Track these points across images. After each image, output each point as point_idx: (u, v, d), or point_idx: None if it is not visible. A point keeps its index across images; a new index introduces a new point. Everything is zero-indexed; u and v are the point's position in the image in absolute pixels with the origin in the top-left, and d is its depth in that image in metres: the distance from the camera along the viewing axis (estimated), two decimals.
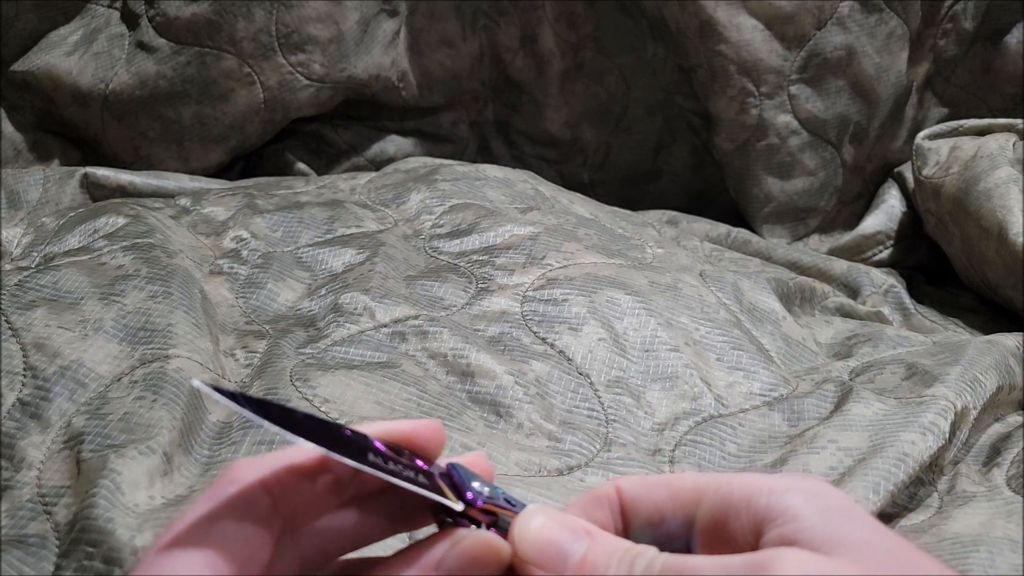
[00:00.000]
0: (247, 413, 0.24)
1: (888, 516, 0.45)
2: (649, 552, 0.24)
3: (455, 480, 0.27)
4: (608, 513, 0.27)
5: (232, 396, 0.24)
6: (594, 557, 0.25)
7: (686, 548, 0.26)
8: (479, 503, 0.26)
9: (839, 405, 0.50)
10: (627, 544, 0.25)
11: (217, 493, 0.24)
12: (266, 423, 0.24)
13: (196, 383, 0.24)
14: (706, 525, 0.25)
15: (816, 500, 0.23)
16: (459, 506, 0.26)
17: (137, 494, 0.38)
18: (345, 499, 0.26)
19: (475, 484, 0.27)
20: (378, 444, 0.26)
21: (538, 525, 0.25)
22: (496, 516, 0.26)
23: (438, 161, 0.79)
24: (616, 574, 0.24)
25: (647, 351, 0.52)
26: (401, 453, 0.27)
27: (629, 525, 0.27)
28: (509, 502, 0.27)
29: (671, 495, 0.26)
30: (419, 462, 0.27)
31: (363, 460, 0.24)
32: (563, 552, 0.25)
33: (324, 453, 0.24)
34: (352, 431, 0.26)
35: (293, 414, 0.25)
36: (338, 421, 0.26)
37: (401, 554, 0.27)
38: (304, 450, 0.25)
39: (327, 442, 0.24)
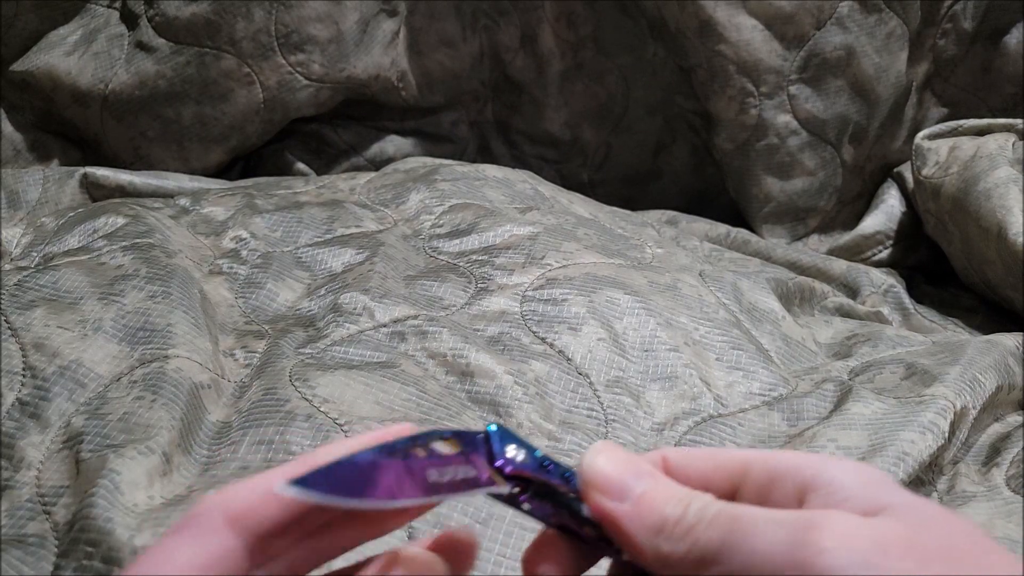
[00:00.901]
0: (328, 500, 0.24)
1: None
2: (705, 497, 0.25)
3: (491, 450, 0.27)
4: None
5: (305, 484, 0.24)
6: (653, 495, 0.25)
7: None
8: (507, 469, 0.27)
9: (839, 405, 0.50)
10: (685, 489, 0.25)
11: (183, 529, 0.24)
12: (344, 501, 0.24)
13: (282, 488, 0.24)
14: (751, 495, 0.26)
15: (859, 473, 0.24)
16: (505, 489, 0.26)
17: (136, 494, 0.38)
18: (322, 521, 0.26)
19: (509, 450, 0.27)
20: (434, 455, 0.26)
21: (604, 460, 0.26)
22: (530, 483, 0.27)
23: (438, 161, 0.79)
24: (671, 513, 0.25)
25: (646, 351, 0.52)
26: (436, 454, 0.27)
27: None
28: (544, 467, 0.27)
29: (716, 465, 0.26)
30: (451, 453, 0.27)
31: (426, 486, 0.25)
32: (627, 483, 0.26)
33: (401, 506, 0.25)
34: (407, 450, 0.26)
35: (358, 469, 0.25)
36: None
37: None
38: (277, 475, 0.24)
39: (393, 487, 0.25)
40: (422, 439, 0.27)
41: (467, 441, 0.27)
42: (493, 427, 0.28)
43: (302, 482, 0.24)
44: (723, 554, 0.23)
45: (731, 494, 0.26)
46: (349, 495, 0.24)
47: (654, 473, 0.26)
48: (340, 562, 0.27)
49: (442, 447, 0.27)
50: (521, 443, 0.27)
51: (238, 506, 0.24)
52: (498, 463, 0.27)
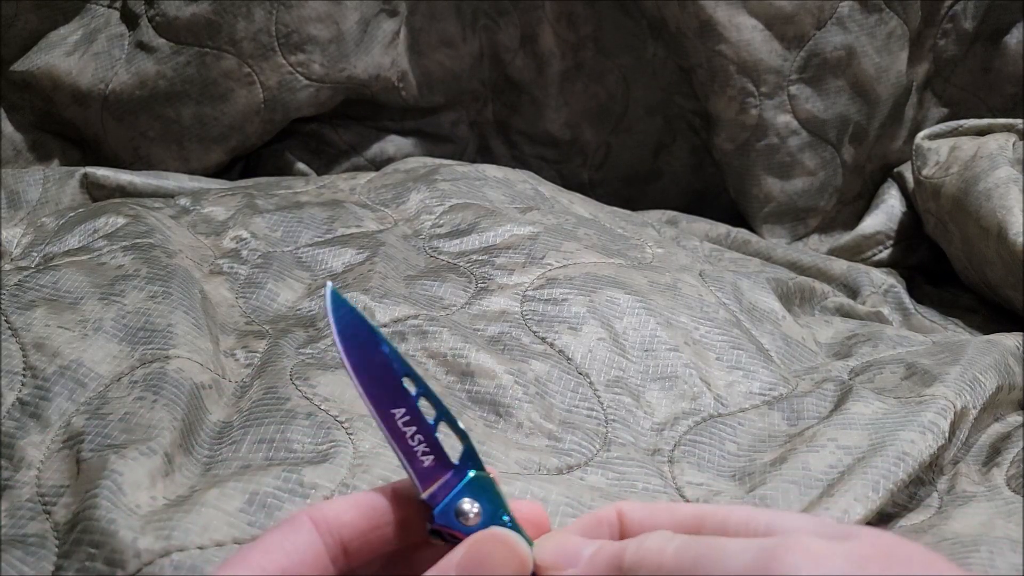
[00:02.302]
0: (335, 332, 0.28)
1: (888, 516, 0.45)
2: (665, 532, 0.25)
3: (457, 488, 0.27)
4: (608, 535, 0.27)
5: (338, 307, 0.29)
6: (606, 549, 0.25)
7: None
8: (435, 522, 0.27)
9: (839, 404, 0.50)
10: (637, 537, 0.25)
11: (274, 531, 0.26)
12: (340, 346, 0.28)
13: (330, 284, 0.29)
14: None
15: (812, 519, 0.24)
16: (422, 494, 0.27)
17: (139, 495, 0.38)
18: (408, 541, 0.28)
19: (467, 506, 0.27)
20: (418, 407, 0.28)
21: (556, 540, 0.26)
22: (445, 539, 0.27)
23: (438, 161, 0.79)
24: (630, 549, 0.25)
25: (647, 351, 0.52)
26: (429, 434, 0.28)
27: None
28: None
29: (673, 520, 0.26)
30: (446, 456, 0.28)
31: (385, 411, 0.28)
32: (577, 551, 0.26)
33: (358, 392, 0.28)
34: (407, 382, 0.28)
35: (372, 347, 0.28)
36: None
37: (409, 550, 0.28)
38: (381, 501, 0.28)
39: (371, 380, 0.28)
40: (441, 411, 0.28)
41: (463, 461, 0.28)
42: (473, 473, 0.28)
43: (341, 306, 0.28)
44: None
45: None
46: (345, 344, 0.28)
47: (599, 542, 0.26)
48: None
49: (441, 425, 0.28)
50: (492, 505, 0.27)
51: (321, 510, 0.27)
52: (435, 509, 0.27)
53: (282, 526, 0.26)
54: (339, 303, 0.29)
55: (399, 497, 0.28)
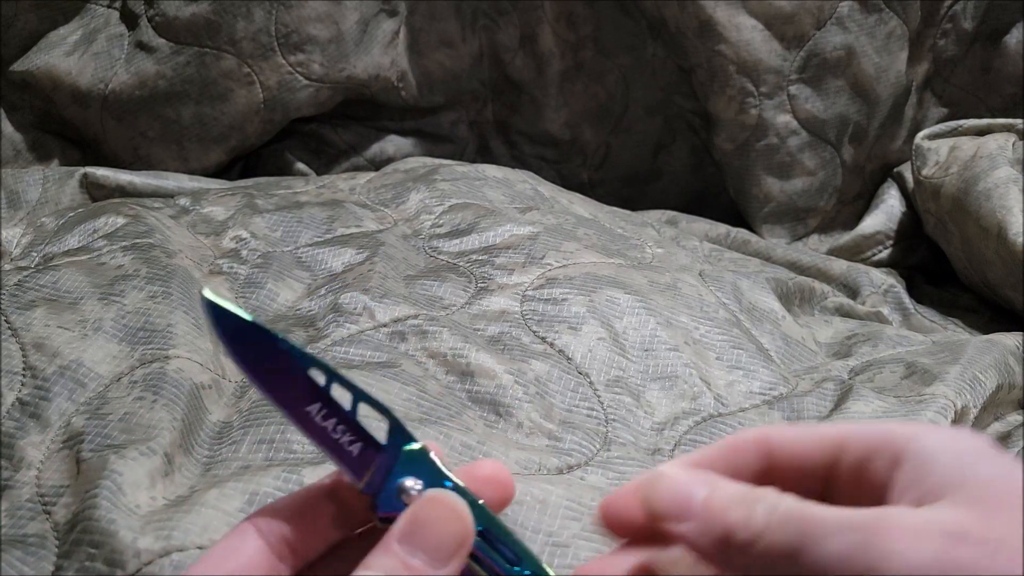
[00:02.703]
0: (222, 340, 0.27)
1: None
2: (770, 497, 0.25)
3: (392, 468, 0.27)
4: (751, 455, 0.27)
5: (220, 314, 0.27)
6: (715, 502, 0.25)
7: (824, 494, 0.26)
8: (380, 511, 0.26)
9: (839, 403, 0.50)
10: (746, 488, 0.25)
11: (219, 542, 0.27)
12: (232, 354, 0.27)
13: (207, 293, 0.27)
14: (849, 466, 0.26)
15: (954, 442, 0.24)
16: (359, 485, 0.26)
17: (139, 495, 0.38)
18: (349, 528, 0.28)
19: (411, 483, 0.26)
20: (332, 396, 0.27)
21: (664, 482, 0.26)
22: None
23: (437, 161, 0.79)
24: (735, 520, 0.25)
25: (647, 350, 0.52)
26: (350, 420, 0.27)
27: (772, 468, 0.27)
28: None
29: (817, 438, 0.27)
30: (372, 434, 0.27)
31: (299, 410, 0.27)
32: (688, 499, 0.26)
33: (267, 397, 0.27)
34: (314, 372, 0.27)
35: (269, 346, 0.27)
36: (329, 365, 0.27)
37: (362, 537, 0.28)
38: (319, 494, 0.27)
39: (276, 382, 0.27)
40: (356, 393, 0.27)
41: (392, 439, 0.27)
42: (415, 446, 0.27)
43: (219, 311, 0.26)
44: (793, 560, 0.23)
45: (830, 467, 0.26)
46: (237, 353, 0.26)
47: (711, 481, 0.26)
48: None
49: (362, 409, 0.27)
50: (430, 477, 0.26)
51: (261, 513, 0.27)
52: (377, 499, 0.26)
53: (227, 536, 0.27)
54: (219, 311, 0.27)
55: (338, 484, 0.28)
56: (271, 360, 0.27)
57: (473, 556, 0.26)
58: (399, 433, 0.27)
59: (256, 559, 0.27)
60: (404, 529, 0.26)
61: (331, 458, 0.27)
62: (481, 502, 0.27)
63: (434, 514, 0.26)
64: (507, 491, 0.28)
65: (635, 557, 0.28)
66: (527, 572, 0.26)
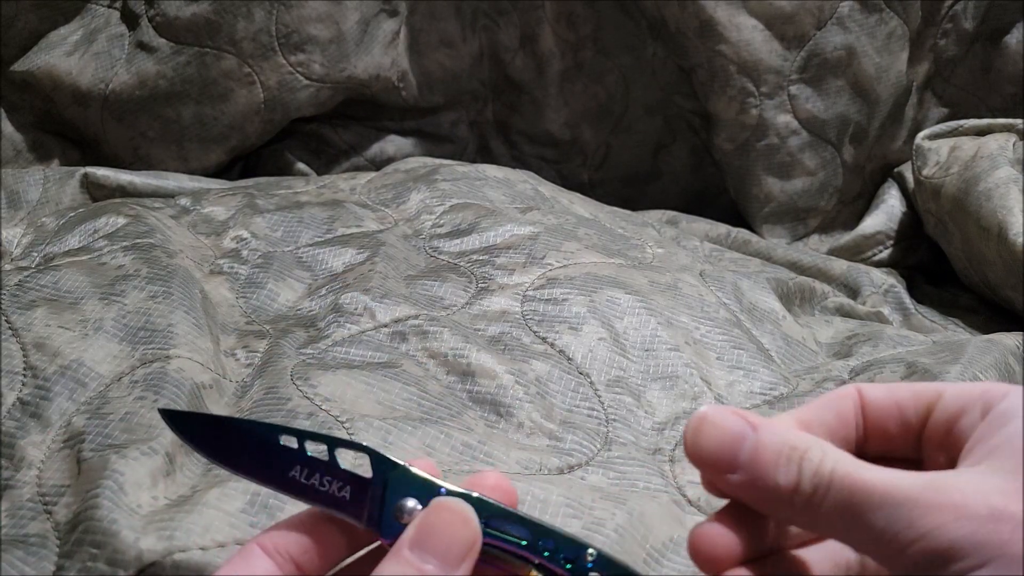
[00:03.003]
0: (189, 444, 0.29)
1: None
2: (816, 453, 0.25)
3: (382, 506, 0.28)
4: (852, 408, 0.28)
5: (181, 422, 0.29)
6: (762, 457, 0.25)
7: (917, 447, 0.27)
8: (386, 539, 0.27)
9: None
10: (790, 440, 0.25)
11: (227, 564, 0.27)
12: (202, 454, 0.29)
13: (160, 407, 0.29)
14: (940, 420, 0.26)
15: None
16: (362, 525, 0.28)
17: (140, 495, 0.38)
18: (356, 546, 0.29)
19: (408, 503, 0.27)
20: (308, 453, 0.28)
21: (705, 437, 0.26)
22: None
23: (438, 161, 0.79)
24: (785, 481, 0.25)
25: (647, 350, 0.52)
26: (333, 468, 0.28)
27: (868, 422, 0.28)
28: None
29: (913, 393, 0.27)
30: (356, 473, 0.28)
31: (284, 479, 0.28)
32: (734, 448, 0.26)
33: (245, 478, 0.28)
34: (285, 439, 0.29)
35: (234, 433, 0.29)
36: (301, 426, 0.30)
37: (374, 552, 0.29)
38: (319, 515, 0.28)
39: (254, 463, 0.28)
40: (330, 442, 0.28)
41: (376, 469, 0.28)
42: (391, 474, 0.28)
43: (177, 419, 0.29)
44: (846, 527, 0.24)
45: (924, 420, 0.27)
46: (208, 450, 0.29)
47: (754, 423, 0.26)
48: None
49: (340, 454, 0.28)
50: (423, 491, 0.27)
51: (267, 534, 0.27)
52: (380, 529, 0.27)
53: (233, 559, 0.27)
54: (177, 419, 0.29)
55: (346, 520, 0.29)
56: (240, 445, 0.28)
57: (489, 546, 0.27)
58: (381, 462, 0.28)
59: None
60: (414, 536, 0.26)
61: (328, 511, 0.28)
62: (477, 494, 0.27)
63: (442, 520, 0.26)
64: (512, 499, 0.29)
65: None
66: (539, 538, 0.27)
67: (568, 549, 0.27)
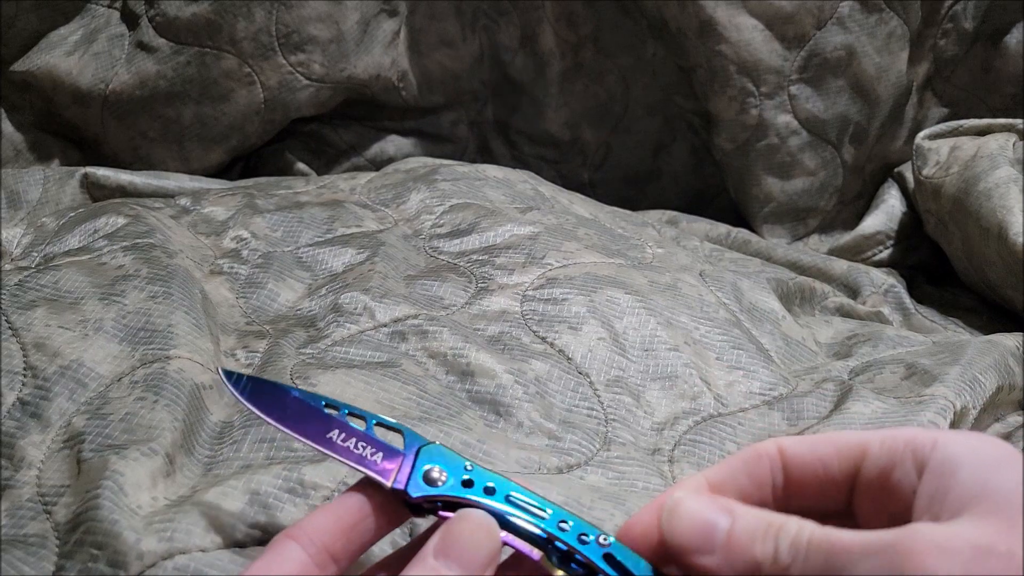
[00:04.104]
0: (241, 399, 0.32)
1: None
2: (791, 526, 0.25)
3: (415, 464, 0.30)
4: (768, 468, 0.27)
5: (237, 381, 0.33)
6: (738, 534, 0.25)
7: (847, 502, 0.27)
8: (412, 496, 0.29)
9: (839, 404, 0.50)
10: (768, 517, 0.25)
11: (259, 559, 0.28)
12: (253, 408, 0.32)
13: (220, 371, 0.33)
14: (871, 475, 0.26)
15: (977, 450, 0.24)
16: (388, 484, 0.30)
17: (140, 495, 0.38)
18: (386, 530, 0.30)
19: (434, 471, 0.30)
20: (348, 422, 0.31)
21: (685, 509, 0.27)
22: (440, 504, 0.30)
23: (438, 161, 0.79)
24: (763, 553, 0.25)
25: (647, 350, 0.52)
26: (368, 437, 0.31)
27: (790, 480, 0.27)
28: (466, 483, 0.30)
29: (836, 448, 0.27)
30: (392, 446, 0.31)
31: (323, 438, 0.31)
32: (710, 531, 0.26)
33: (289, 433, 0.31)
34: (328, 409, 0.32)
35: (283, 396, 0.32)
36: (330, 398, 0.32)
37: (400, 553, 0.29)
38: (350, 501, 0.30)
39: (297, 421, 0.31)
40: (368, 416, 0.31)
41: (408, 444, 0.31)
42: (422, 445, 0.31)
43: (236, 378, 0.32)
44: None
45: (851, 476, 0.26)
46: (261, 409, 0.32)
47: (730, 508, 0.26)
48: None
49: (376, 431, 0.31)
50: (451, 463, 0.30)
51: (298, 526, 0.29)
52: (407, 487, 0.30)
53: (266, 553, 0.28)
54: (236, 379, 0.33)
55: (369, 489, 0.30)
56: (288, 405, 0.32)
57: (504, 520, 0.29)
58: (414, 439, 0.31)
59: (298, 570, 0.28)
60: (439, 545, 0.27)
61: (360, 469, 0.30)
62: (499, 472, 0.30)
63: (466, 529, 0.28)
64: None
65: None
66: (556, 518, 0.29)
67: (584, 531, 0.28)
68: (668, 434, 0.48)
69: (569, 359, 0.51)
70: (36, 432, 0.44)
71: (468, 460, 0.30)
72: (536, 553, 0.29)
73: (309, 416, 0.31)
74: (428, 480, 0.30)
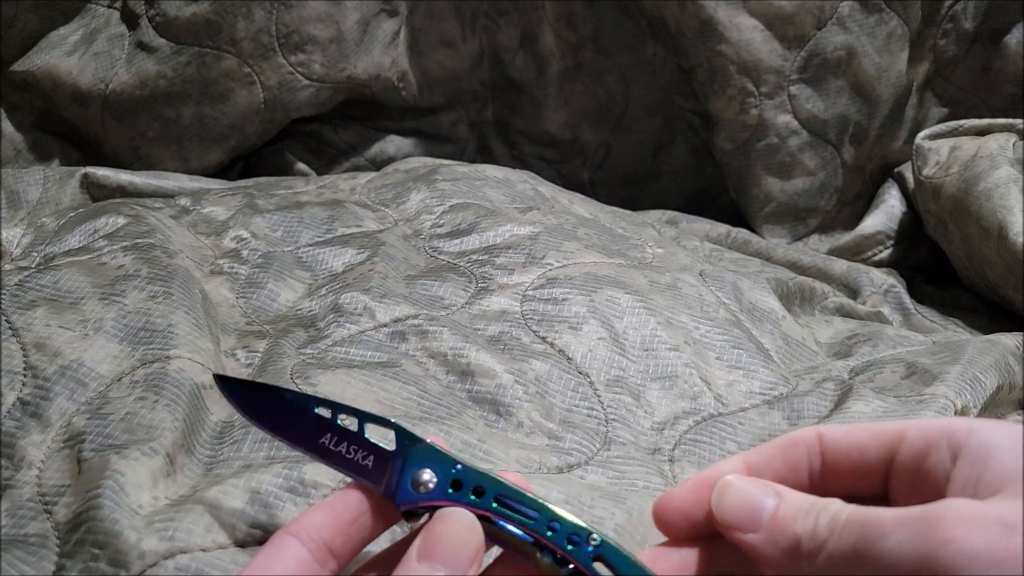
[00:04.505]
0: (235, 407, 0.33)
1: None
2: (833, 506, 0.26)
3: (401, 474, 0.30)
4: (805, 454, 0.28)
5: (232, 389, 0.33)
6: (783, 513, 0.26)
7: (882, 487, 0.27)
8: (400, 506, 0.30)
9: (839, 403, 0.50)
10: (812, 499, 0.26)
11: (257, 556, 0.28)
12: (247, 417, 0.33)
13: (215, 374, 0.34)
14: (907, 460, 0.26)
15: (1010, 433, 0.25)
16: (379, 492, 0.30)
17: (141, 495, 0.38)
18: (383, 526, 0.30)
19: (423, 475, 0.30)
20: (341, 424, 0.31)
21: (735, 490, 0.27)
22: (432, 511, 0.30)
23: (438, 161, 0.79)
24: (802, 531, 0.26)
25: (647, 350, 0.52)
26: (360, 439, 0.31)
27: (827, 466, 0.28)
28: (457, 484, 0.30)
29: (872, 434, 0.27)
30: (381, 445, 0.31)
31: (314, 444, 0.31)
32: (757, 510, 0.27)
33: (284, 443, 0.32)
34: (321, 410, 0.32)
35: (276, 401, 0.32)
36: (320, 396, 0.33)
37: (389, 551, 0.29)
38: (349, 497, 0.30)
39: (289, 428, 0.32)
40: (361, 415, 0.32)
41: (399, 443, 0.31)
42: (411, 448, 0.30)
43: (227, 383, 0.33)
44: (856, 562, 0.24)
45: (887, 461, 0.27)
46: (251, 414, 0.32)
47: (779, 490, 0.27)
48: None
49: (369, 429, 0.31)
50: (440, 465, 0.30)
51: (297, 522, 0.29)
52: (396, 496, 0.30)
53: (265, 549, 0.28)
54: (229, 385, 0.33)
55: (367, 485, 0.30)
56: (280, 410, 0.32)
57: (492, 522, 0.29)
58: (405, 437, 0.31)
59: (297, 566, 0.28)
60: (422, 547, 0.28)
61: (351, 475, 0.30)
62: (491, 472, 0.30)
63: (447, 529, 0.28)
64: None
65: (681, 555, 0.29)
66: (545, 519, 0.29)
67: (573, 532, 0.28)
68: (668, 434, 0.48)
69: (569, 359, 0.51)
70: (36, 432, 0.44)
71: (458, 460, 0.30)
72: (525, 555, 0.29)
73: (302, 421, 0.31)
74: (416, 485, 0.29)
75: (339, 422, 0.31)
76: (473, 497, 0.29)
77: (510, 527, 0.29)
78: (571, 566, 0.28)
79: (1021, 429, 0.25)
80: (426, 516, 0.30)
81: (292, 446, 0.31)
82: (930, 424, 0.26)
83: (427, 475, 0.29)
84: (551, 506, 0.29)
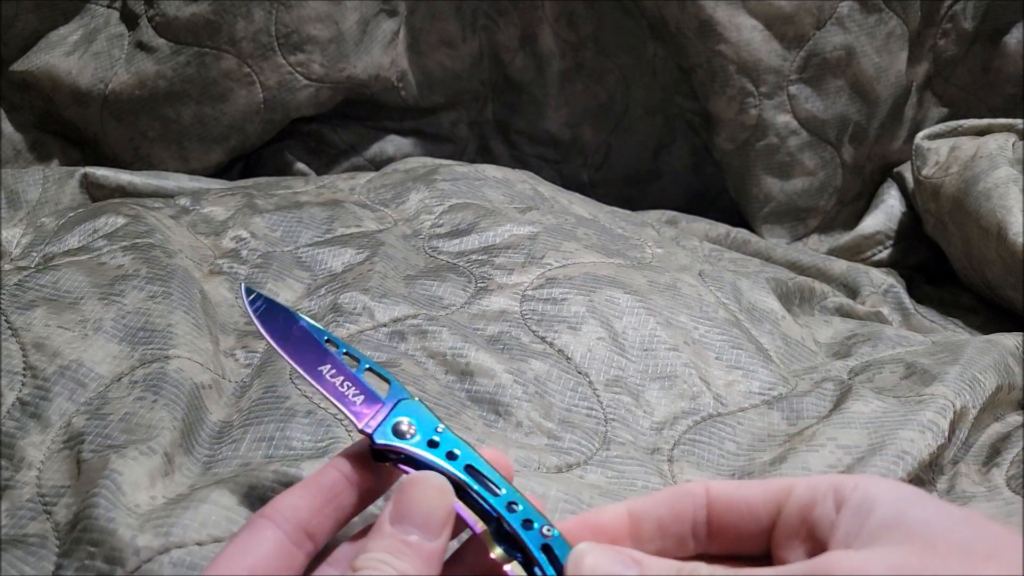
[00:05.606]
0: (252, 317, 0.35)
1: None
2: (703, 569, 0.26)
3: (389, 414, 0.32)
4: (691, 506, 0.28)
5: (254, 299, 0.36)
6: None
7: (765, 546, 0.27)
8: (377, 442, 0.31)
9: (838, 403, 0.50)
10: (676, 564, 0.26)
11: (233, 539, 0.28)
12: (260, 327, 0.35)
13: (243, 285, 0.36)
14: (793, 512, 0.27)
15: (892, 490, 0.25)
16: (359, 425, 0.31)
17: (138, 494, 0.39)
18: (360, 505, 0.30)
19: (403, 424, 0.31)
20: (342, 361, 0.33)
21: (590, 563, 0.27)
22: (402, 457, 0.31)
23: (437, 161, 0.79)
24: None
25: (646, 350, 0.52)
26: (356, 379, 0.33)
27: (714, 520, 0.28)
28: (433, 444, 0.31)
29: (762, 489, 0.28)
30: (373, 390, 0.33)
31: (313, 369, 0.33)
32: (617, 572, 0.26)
33: (291, 364, 0.33)
34: (328, 345, 0.34)
35: (291, 323, 0.35)
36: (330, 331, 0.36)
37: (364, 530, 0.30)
38: (325, 478, 0.30)
39: (295, 347, 0.34)
40: (363, 359, 0.33)
41: (392, 395, 0.32)
42: (401, 399, 0.32)
43: (256, 297, 0.35)
44: None
45: (774, 516, 0.27)
46: (266, 328, 0.34)
47: (640, 559, 0.27)
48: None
49: (365, 376, 0.33)
50: (424, 421, 0.31)
51: (272, 505, 0.29)
52: (373, 433, 0.31)
53: (240, 532, 0.28)
54: (254, 296, 0.35)
55: (343, 465, 0.30)
56: (292, 332, 0.34)
57: (463, 489, 0.29)
58: (398, 392, 0.33)
59: (274, 549, 0.28)
60: (394, 511, 0.27)
61: (338, 406, 0.32)
62: (463, 440, 0.31)
63: (419, 492, 0.28)
64: (508, 472, 0.30)
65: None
66: (508, 498, 0.29)
67: (530, 518, 0.29)
68: (667, 433, 0.48)
69: (568, 359, 0.51)
70: (36, 432, 0.44)
71: (442, 423, 0.31)
72: (479, 527, 0.29)
73: (309, 346, 0.33)
74: (397, 432, 0.31)
75: (341, 359, 0.33)
76: (445, 459, 0.30)
77: (474, 496, 0.29)
78: (520, 556, 0.28)
79: (902, 485, 0.26)
80: (395, 471, 0.31)
81: (294, 365, 0.33)
82: (818, 479, 0.27)
83: (408, 425, 0.31)
84: (519, 491, 0.30)
